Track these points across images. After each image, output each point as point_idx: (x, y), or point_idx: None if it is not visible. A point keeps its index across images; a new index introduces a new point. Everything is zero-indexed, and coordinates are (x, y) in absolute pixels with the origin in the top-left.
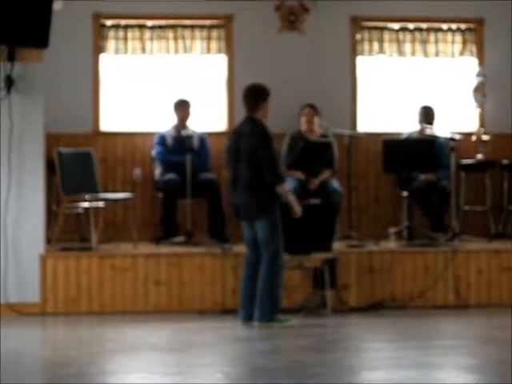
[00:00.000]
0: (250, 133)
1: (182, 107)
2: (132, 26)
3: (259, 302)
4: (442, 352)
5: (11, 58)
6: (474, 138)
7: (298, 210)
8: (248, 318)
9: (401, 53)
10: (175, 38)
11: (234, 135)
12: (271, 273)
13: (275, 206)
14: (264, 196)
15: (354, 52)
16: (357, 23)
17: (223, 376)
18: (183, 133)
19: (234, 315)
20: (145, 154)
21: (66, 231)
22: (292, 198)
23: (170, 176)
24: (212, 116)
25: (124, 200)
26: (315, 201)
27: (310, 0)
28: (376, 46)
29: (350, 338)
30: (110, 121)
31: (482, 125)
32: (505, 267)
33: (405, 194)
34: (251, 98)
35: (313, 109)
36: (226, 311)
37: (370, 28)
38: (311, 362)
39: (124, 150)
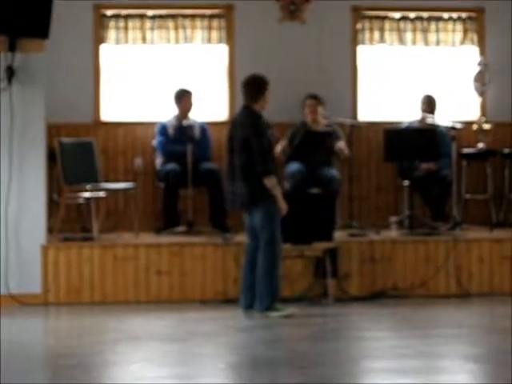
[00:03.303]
0: (243, 122)
1: (184, 97)
2: (132, 16)
3: (258, 292)
4: (443, 341)
5: (12, 48)
6: (474, 126)
7: (283, 206)
8: (248, 307)
9: (402, 42)
10: (176, 28)
11: (231, 125)
12: (268, 262)
13: (269, 196)
14: (256, 186)
15: (354, 41)
16: (357, 12)
17: (225, 366)
18: (184, 123)
19: (235, 305)
20: (146, 144)
21: (68, 221)
22: (279, 193)
23: (171, 166)
24: (213, 106)
25: (125, 190)
26: (314, 190)
27: None
28: (377, 35)
29: (351, 327)
30: (111, 111)
31: (483, 114)
32: (506, 256)
33: (406, 183)
34: (251, 88)
35: (316, 99)
36: (227, 301)
37: (370, 17)
38: (313, 351)
39: (125, 140)
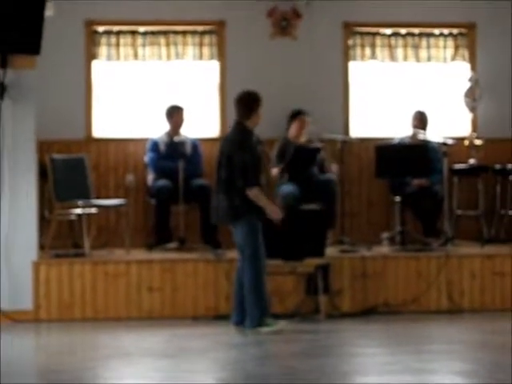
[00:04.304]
0: (232, 138)
1: (175, 113)
2: (124, 32)
3: (247, 308)
4: (435, 357)
5: (3, 64)
6: (466, 142)
7: (273, 212)
8: (239, 323)
9: (393, 58)
10: (167, 44)
11: (222, 140)
12: (252, 277)
13: (249, 211)
14: (236, 200)
15: (346, 57)
16: (349, 28)
17: (216, 382)
18: (176, 139)
19: (227, 321)
20: (137, 161)
21: (59, 238)
22: (266, 202)
23: (163, 182)
24: (204, 122)
25: (117, 206)
26: (311, 206)
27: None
28: (368, 51)
29: (343, 343)
30: (103, 127)
31: (474, 129)
32: (498, 272)
33: (397, 198)
34: (244, 104)
35: (306, 115)
36: (219, 317)
37: (362, 33)
38: (304, 367)
39: (116, 156)
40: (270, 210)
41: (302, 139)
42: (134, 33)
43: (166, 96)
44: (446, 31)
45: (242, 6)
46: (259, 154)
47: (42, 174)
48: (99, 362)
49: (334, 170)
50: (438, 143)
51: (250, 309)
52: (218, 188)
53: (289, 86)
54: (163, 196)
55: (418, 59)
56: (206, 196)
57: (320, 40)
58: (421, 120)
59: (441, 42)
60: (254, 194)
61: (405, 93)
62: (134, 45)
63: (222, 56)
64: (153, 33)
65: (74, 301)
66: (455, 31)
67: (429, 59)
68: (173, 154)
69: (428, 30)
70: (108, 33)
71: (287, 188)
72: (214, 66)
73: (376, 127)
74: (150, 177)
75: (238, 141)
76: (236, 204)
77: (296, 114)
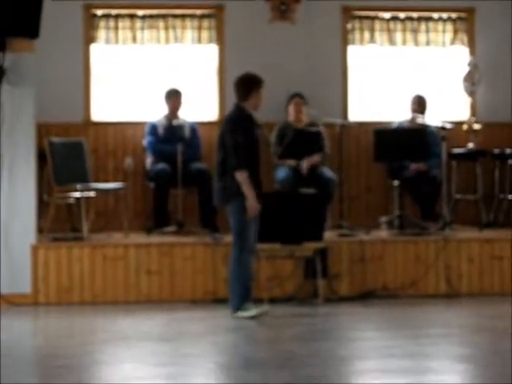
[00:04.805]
0: (226, 118)
1: (173, 97)
2: (123, 16)
3: (230, 291)
4: (433, 341)
5: (2, 48)
6: (465, 126)
7: (252, 204)
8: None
9: (392, 42)
10: (166, 28)
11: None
12: (236, 261)
13: (239, 193)
14: (228, 182)
15: (345, 41)
16: (348, 12)
17: (214, 365)
18: (174, 122)
19: (225, 304)
20: (136, 144)
21: (58, 221)
22: (249, 191)
23: (161, 166)
24: (203, 106)
25: (115, 190)
26: (309, 190)
27: None
28: (367, 35)
29: (341, 327)
30: (101, 111)
31: (473, 114)
32: (496, 256)
33: (396, 183)
34: (241, 86)
35: (301, 98)
36: (217, 300)
37: (360, 17)
38: (302, 351)
39: (115, 140)
40: (250, 202)
41: (303, 122)
42: (132, 16)
43: (164, 80)
44: (445, 15)
45: None
46: (255, 137)
47: (41, 157)
48: (97, 346)
49: (315, 160)
50: (437, 127)
51: (231, 293)
52: (216, 170)
53: (287, 70)
54: (162, 180)
55: (416, 43)
56: (204, 180)
57: (319, 24)
58: (419, 104)
59: (440, 26)
60: (241, 177)
61: (404, 77)
62: (132, 28)
63: (220, 40)
64: (151, 16)
65: (73, 284)
66: (454, 15)
67: (428, 43)
68: (171, 138)
69: (427, 14)
70: (106, 16)
71: (283, 172)
72: (213, 49)
73: (375, 111)
74: (149, 160)
75: (232, 122)
76: (227, 185)
77: (292, 98)
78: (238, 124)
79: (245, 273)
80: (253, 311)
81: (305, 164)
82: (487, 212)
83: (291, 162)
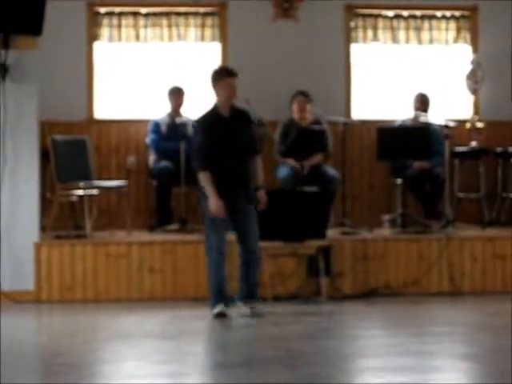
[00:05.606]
0: None
1: (176, 95)
2: (126, 14)
3: None
4: (436, 339)
5: (5, 45)
6: (468, 125)
7: (213, 203)
8: (242, 299)
9: (395, 40)
10: (169, 26)
11: None
12: (207, 261)
13: (205, 194)
14: (196, 182)
15: (348, 39)
16: (351, 10)
17: (217, 364)
18: (177, 120)
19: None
20: (139, 142)
21: (60, 219)
22: (210, 191)
23: (164, 163)
24: (206, 104)
25: (118, 187)
26: (311, 188)
27: None
28: (370, 33)
29: (344, 325)
30: (104, 108)
31: (476, 112)
32: (499, 254)
33: (399, 181)
34: (210, 85)
35: (304, 96)
36: None
37: (364, 15)
38: (306, 349)
39: (118, 138)
40: (211, 202)
41: (307, 120)
42: (135, 14)
43: (167, 77)
44: (448, 13)
45: None
46: (226, 135)
47: (44, 155)
48: (100, 344)
49: (316, 160)
50: (440, 126)
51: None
52: None
53: (290, 68)
54: (164, 177)
55: (420, 41)
56: None
57: (322, 22)
58: (422, 102)
59: (443, 24)
60: (200, 177)
61: (407, 75)
62: (135, 26)
63: (223, 38)
64: (155, 14)
65: (75, 282)
66: (457, 13)
67: (431, 41)
68: (174, 136)
69: (430, 13)
70: (110, 14)
71: (284, 171)
72: (216, 47)
73: (378, 109)
74: (152, 158)
75: (196, 122)
76: (198, 186)
77: (295, 96)
78: (199, 125)
79: (213, 273)
80: (214, 309)
81: (305, 165)
82: (490, 210)
83: (292, 163)
